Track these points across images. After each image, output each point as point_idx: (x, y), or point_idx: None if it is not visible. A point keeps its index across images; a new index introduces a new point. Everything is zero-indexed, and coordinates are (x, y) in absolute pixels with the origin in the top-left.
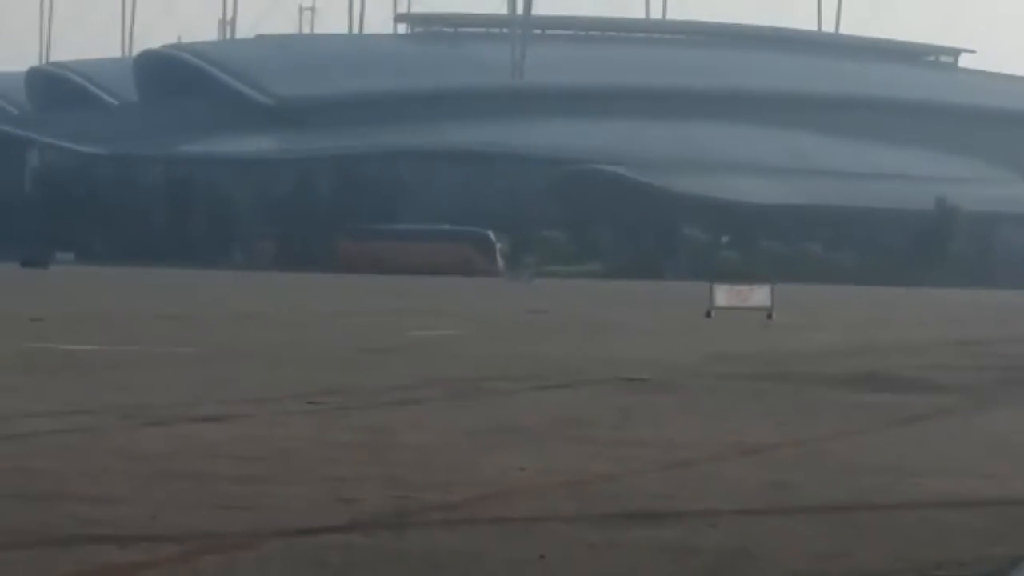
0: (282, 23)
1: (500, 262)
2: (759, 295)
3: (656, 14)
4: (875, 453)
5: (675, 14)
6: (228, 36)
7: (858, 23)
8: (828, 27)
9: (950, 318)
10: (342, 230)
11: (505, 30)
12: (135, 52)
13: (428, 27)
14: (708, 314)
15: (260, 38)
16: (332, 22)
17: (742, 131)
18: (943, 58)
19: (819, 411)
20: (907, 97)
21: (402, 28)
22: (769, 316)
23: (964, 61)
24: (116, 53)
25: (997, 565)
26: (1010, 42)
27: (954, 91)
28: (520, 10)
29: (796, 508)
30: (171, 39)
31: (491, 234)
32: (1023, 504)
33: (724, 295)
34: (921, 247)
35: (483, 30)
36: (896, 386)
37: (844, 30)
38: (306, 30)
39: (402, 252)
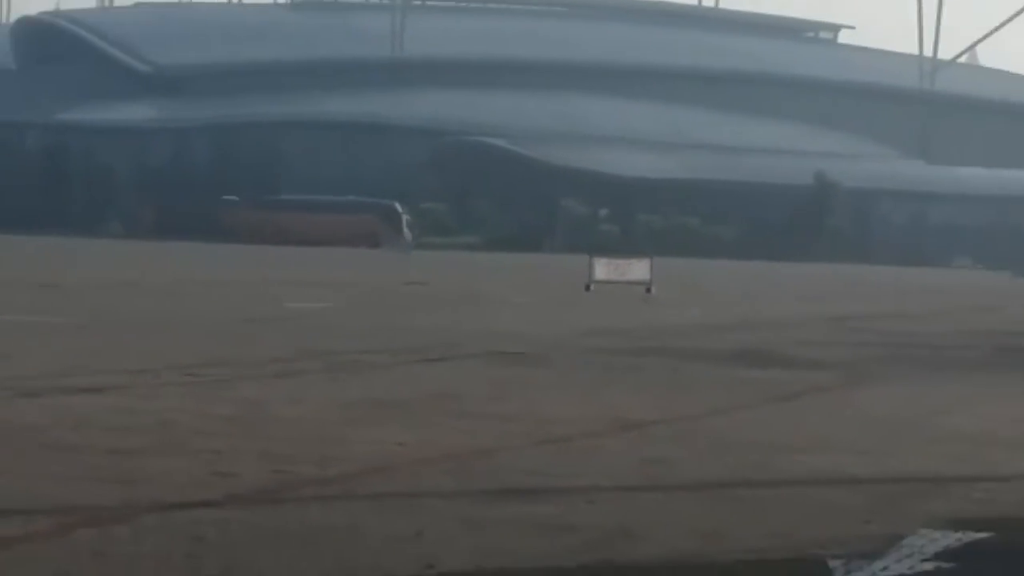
0: None
1: (407, 234)
2: (638, 269)
3: None
4: (752, 429)
5: None
6: (107, 3)
7: None
8: (708, 1)
9: (828, 293)
10: (243, 199)
11: (385, 1)
12: (13, 19)
13: None
14: (587, 288)
15: (139, 5)
16: None
17: (622, 105)
18: (823, 34)
19: (697, 387)
20: (787, 72)
21: None
22: (648, 290)
23: (844, 37)
24: None
25: (873, 543)
26: (890, 18)
27: (834, 67)
28: None
29: (674, 485)
30: (49, 6)
31: (398, 205)
32: (898, 481)
33: (603, 269)
34: (800, 222)
35: (363, 0)
36: (773, 362)
37: (724, 4)
38: None
39: (306, 223)
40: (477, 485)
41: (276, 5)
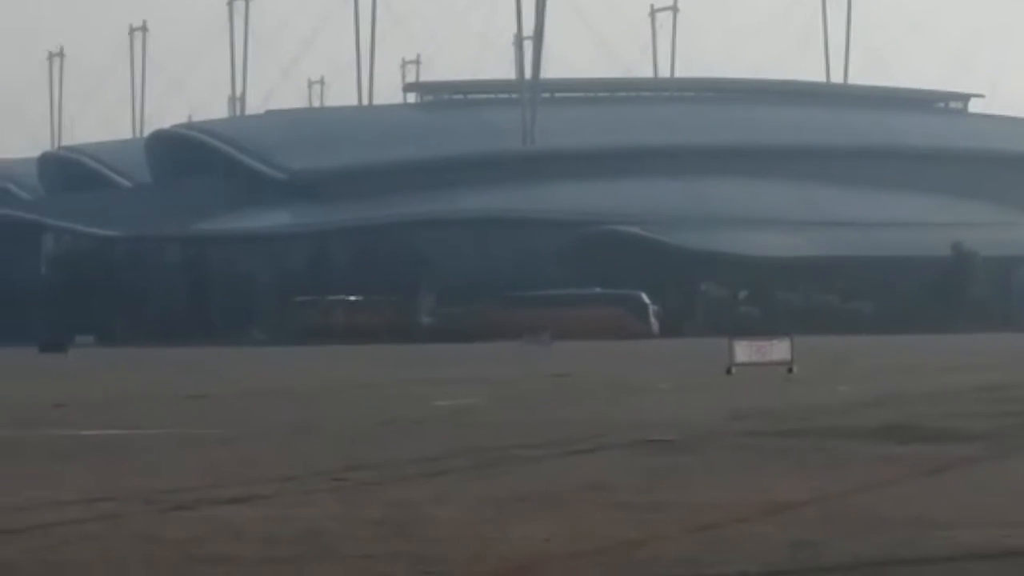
0: (292, 97)
1: (654, 323)
2: (779, 349)
3: (664, 72)
4: (902, 505)
5: (682, 71)
6: (238, 113)
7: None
8: (836, 78)
9: (971, 364)
10: (494, 298)
11: (514, 95)
12: (146, 133)
13: (437, 95)
14: (728, 371)
15: (270, 113)
16: (342, 94)
17: (755, 185)
18: (953, 104)
19: (844, 465)
20: (919, 144)
21: (411, 97)
22: (790, 370)
23: (974, 106)
24: (127, 135)
25: None
26: (1019, 84)
27: (965, 136)
28: (528, 74)
29: (824, 567)
30: (182, 118)
31: (644, 295)
32: None
33: (744, 350)
34: (939, 293)
35: (492, 96)
36: (921, 436)
37: (852, 80)
38: (316, 103)
39: (560, 318)
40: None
41: (406, 105)
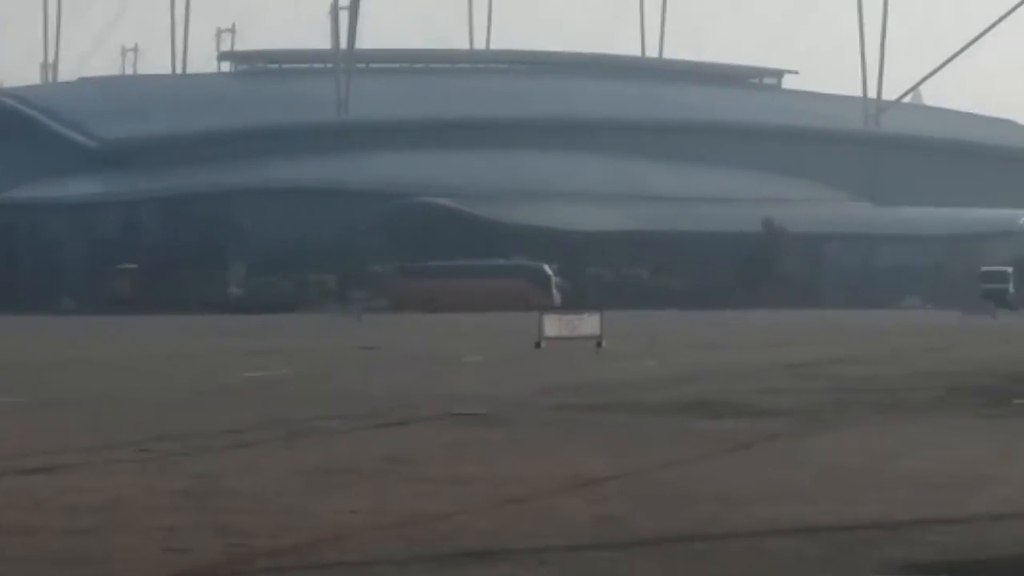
0: (106, 65)
1: (556, 295)
2: (588, 323)
3: (480, 44)
4: (707, 481)
5: (499, 44)
6: (51, 80)
7: (681, 47)
8: (652, 52)
9: (779, 340)
10: (396, 269)
11: (329, 65)
12: None
13: (252, 64)
14: (538, 345)
15: (83, 80)
16: (156, 62)
17: (569, 159)
18: (767, 80)
19: (651, 440)
20: (732, 120)
21: (226, 66)
22: (599, 344)
23: (788, 82)
24: None
25: None
26: (833, 61)
27: (779, 112)
28: (344, 45)
29: (629, 542)
30: None
31: (546, 267)
32: (854, 528)
33: (553, 325)
34: (749, 269)
35: (307, 66)
36: (727, 411)
37: (667, 55)
38: (129, 71)
39: (458, 289)
40: (431, 550)
41: (220, 74)
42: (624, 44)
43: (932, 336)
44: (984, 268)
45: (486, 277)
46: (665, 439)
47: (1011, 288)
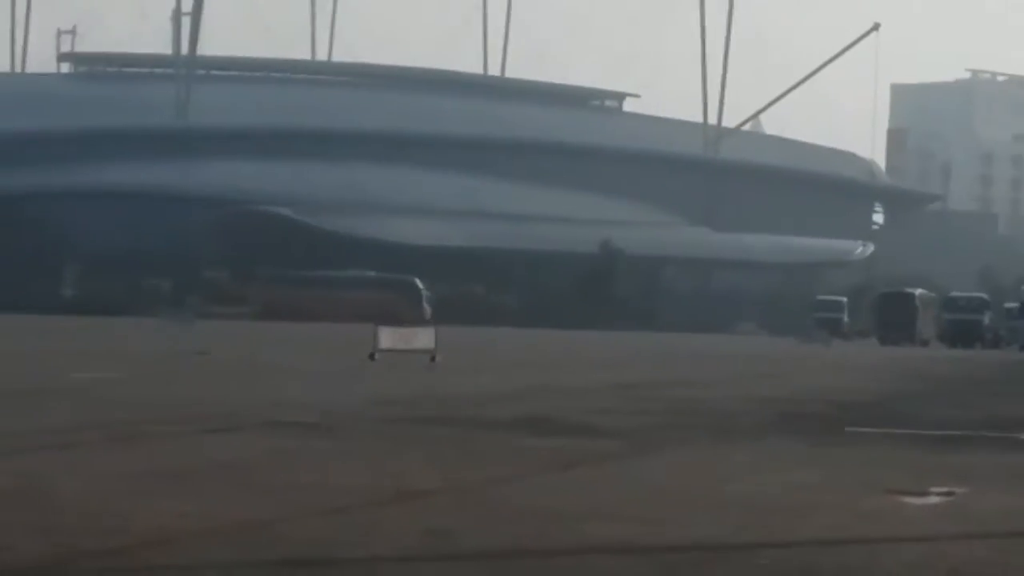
0: None
1: (427, 309)
2: (423, 337)
3: (322, 55)
4: (537, 498)
5: (341, 55)
6: None
7: (524, 67)
8: (494, 71)
9: (613, 361)
10: (262, 277)
11: (170, 70)
12: None
13: (92, 66)
14: (372, 356)
15: None
16: None
17: (409, 173)
18: (608, 102)
19: (482, 455)
20: (573, 141)
21: (66, 67)
22: (433, 359)
23: (629, 105)
24: None
25: None
26: (675, 86)
27: (620, 135)
28: (185, 51)
29: (456, 555)
30: None
31: (418, 281)
32: (681, 550)
33: (388, 337)
34: (586, 290)
35: (148, 70)
36: (559, 430)
37: (510, 74)
38: None
39: (329, 301)
40: (257, 556)
41: (59, 75)
42: (467, 61)
43: (766, 362)
44: (819, 297)
45: (357, 289)
46: (496, 455)
47: (845, 318)
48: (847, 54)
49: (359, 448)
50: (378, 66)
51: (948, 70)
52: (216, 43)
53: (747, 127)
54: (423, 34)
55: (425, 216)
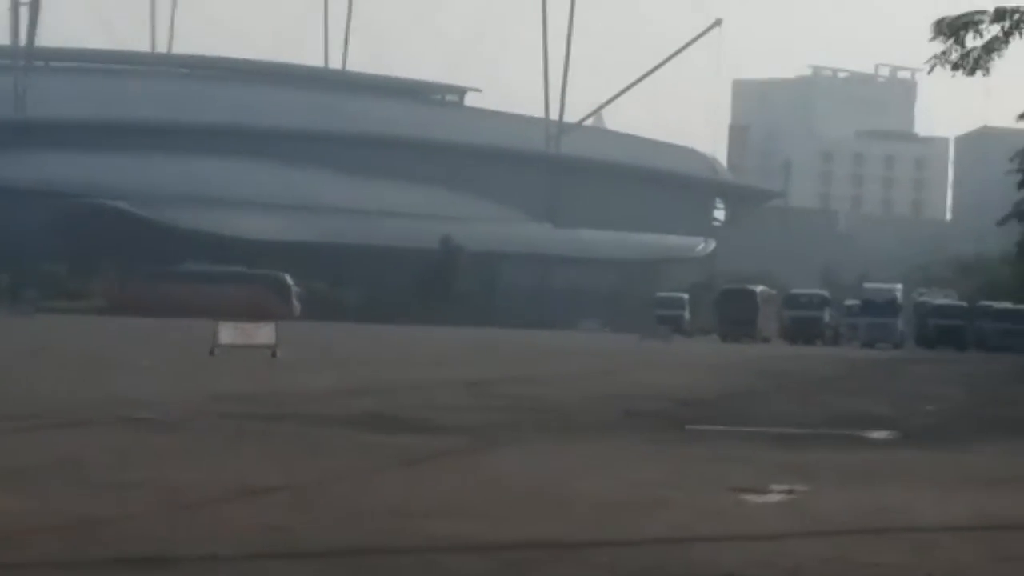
0: None
1: (296, 305)
2: (264, 333)
3: (161, 48)
4: (380, 495)
5: (181, 48)
6: None
7: (366, 61)
8: (335, 64)
9: (455, 358)
10: (129, 272)
11: (7, 61)
12: None
13: None
14: (212, 352)
15: None
16: None
17: (249, 167)
18: (449, 97)
19: (324, 452)
20: (414, 135)
21: None
22: (273, 354)
23: (471, 100)
24: None
25: None
26: (517, 81)
27: (461, 130)
28: (23, 41)
29: (299, 552)
30: None
31: (287, 276)
32: (524, 547)
33: (228, 333)
34: (426, 285)
35: None
36: (402, 426)
37: (351, 67)
38: None
39: (196, 295)
40: (92, 554)
41: None
42: (307, 54)
43: (608, 359)
44: (660, 294)
45: (224, 284)
46: (338, 451)
47: (687, 314)
48: (690, 50)
49: (200, 445)
50: (218, 59)
51: (790, 67)
52: (55, 34)
53: (589, 123)
54: (264, 27)
55: (266, 210)
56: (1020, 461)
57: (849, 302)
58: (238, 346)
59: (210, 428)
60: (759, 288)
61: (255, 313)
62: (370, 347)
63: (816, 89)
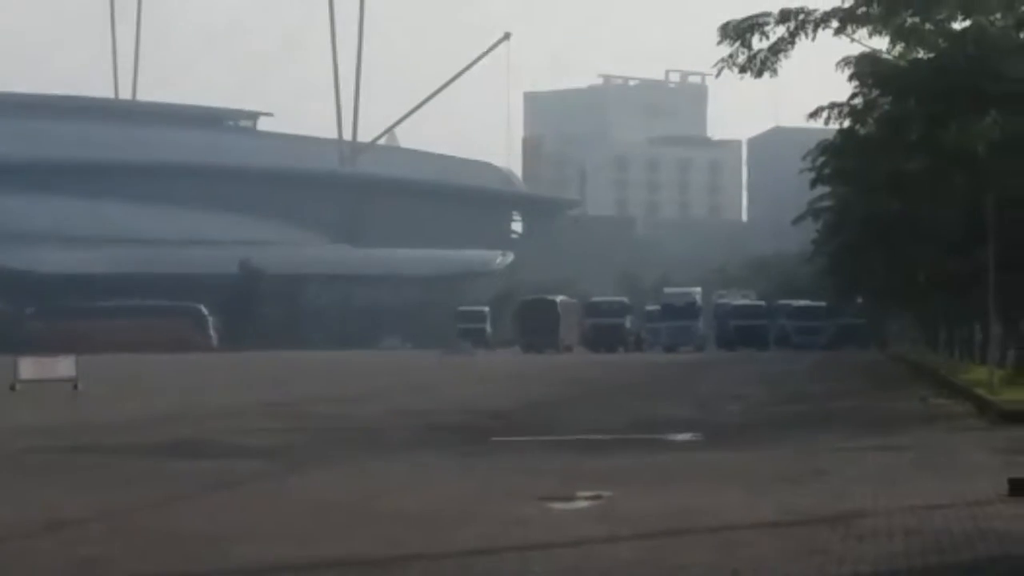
0: None
1: (214, 336)
2: (64, 366)
3: None
4: (190, 521)
5: None
6: None
7: (158, 89)
8: (125, 94)
9: (260, 381)
10: (34, 308)
11: None
12: None
13: None
14: (12, 387)
15: None
16: None
17: (40, 200)
18: (243, 122)
19: (132, 482)
20: (208, 162)
21: None
22: (75, 387)
23: (264, 124)
24: None
25: None
26: (309, 104)
27: (255, 154)
28: None
29: None
30: None
31: (203, 308)
32: (331, 567)
33: (29, 367)
34: (229, 311)
35: None
36: (209, 452)
37: (142, 96)
38: None
39: (112, 330)
40: None
41: None
42: (97, 86)
43: (412, 375)
44: (461, 308)
45: (143, 317)
46: (146, 480)
47: (488, 328)
48: (481, 65)
49: (4, 479)
50: (10, 94)
51: (582, 77)
52: None
53: (382, 141)
54: (55, 60)
55: (62, 244)
56: (819, 456)
57: (649, 307)
58: (39, 380)
59: (14, 462)
60: (559, 298)
61: (176, 345)
62: (174, 375)
63: (608, 98)
